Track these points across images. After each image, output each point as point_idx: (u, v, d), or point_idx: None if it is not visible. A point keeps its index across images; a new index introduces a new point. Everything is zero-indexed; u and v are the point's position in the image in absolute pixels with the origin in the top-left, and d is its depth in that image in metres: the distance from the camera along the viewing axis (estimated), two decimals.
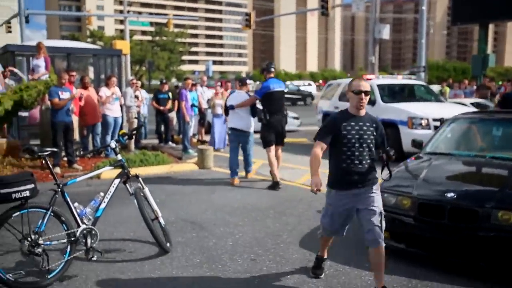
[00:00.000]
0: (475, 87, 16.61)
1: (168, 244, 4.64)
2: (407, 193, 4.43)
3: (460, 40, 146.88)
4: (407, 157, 5.89)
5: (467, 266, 4.10)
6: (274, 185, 7.58)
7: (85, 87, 10.03)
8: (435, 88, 18.92)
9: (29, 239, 3.78)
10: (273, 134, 7.76)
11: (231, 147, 8.13)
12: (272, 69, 7.95)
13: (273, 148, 7.78)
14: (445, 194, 4.19)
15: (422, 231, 4.25)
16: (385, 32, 21.05)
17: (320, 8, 26.14)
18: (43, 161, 4.33)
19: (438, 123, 9.03)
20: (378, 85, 11.27)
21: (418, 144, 5.86)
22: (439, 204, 4.17)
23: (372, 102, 10.90)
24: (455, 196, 4.14)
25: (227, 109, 8.01)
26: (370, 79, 12.00)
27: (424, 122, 9.57)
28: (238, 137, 7.99)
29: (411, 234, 4.33)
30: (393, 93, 11.59)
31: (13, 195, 3.68)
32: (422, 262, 4.28)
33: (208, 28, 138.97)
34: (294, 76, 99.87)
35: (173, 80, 61.87)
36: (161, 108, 12.24)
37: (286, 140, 8.33)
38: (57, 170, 8.31)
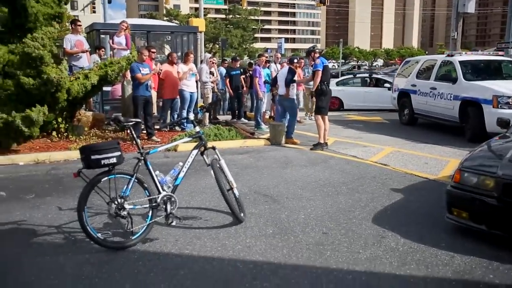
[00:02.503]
0: None
1: (242, 214, 4.78)
2: (491, 173, 4.20)
3: None
4: (490, 138, 5.55)
5: None
6: (323, 145, 8.88)
7: (172, 63, 10.49)
8: None
9: (115, 202, 4.07)
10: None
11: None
12: (318, 51, 9.29)
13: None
14: None
15: (505, 213, 4.03)
16: (470, 6, 19.66)
17: None
18: (128, 131, 4.59)
19: None
20: (460, 62, 10.67)
21: (504, 123, 5.55)
22: None
23: (453, 80, 10.39)
24: None
25: (289, 82, 9.59)
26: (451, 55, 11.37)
27: (511, 101, 8.95)
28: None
29: (493, 215, 4.12)
30: (477, 70, 10.92)
31: (102, 161, 3.95)
32: (504, 245, 4.07)
33: (281, 5, 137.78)
34: (369, 54, 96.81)
35: (245, 58, 62.34)
36: (231, 89, 12.53)
37: (360, 118, 8.81)
38: (139, 143, 8.75)
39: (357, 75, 18.95)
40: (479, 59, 11.60)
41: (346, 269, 3.72)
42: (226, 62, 13.93)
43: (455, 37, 20.09)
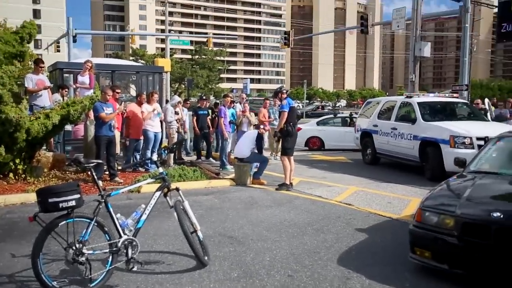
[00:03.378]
0: None
1: (206, 258, 4.67)
2: (450, 212, 4.30)
3: (506, 58, 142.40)
4: (449, 177, 5.71)
5: None
6: (288, 186, 8.85)
7: (140, 103, 10.46)
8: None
9: (73, 247, 3.90)
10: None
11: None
12: (284, 91, 9.36)
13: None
14: (491, 214, 4.05)
15: (466, 252, 4.10)
16: (426, 50, 20.65)
17: (360, 27, 26.08)
18: (89, 172, 4.47)
19: (482, 142, 8.75)
20: (419, 103, 11.08)
21: (461, 163, 5.71)
22: (484, 224, 4.03)
23: (412, 120, 10.74)
24: (501, 216, 3.99)
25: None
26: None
27: (467, 141, 9.30)
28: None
29: (454, 254, 4.18)
30: (435, 112, 11.35)
31: (61, 205, 3.81)
32: (466, 283, 4.13)
33: (246, 46, 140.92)
34: (332, 95, 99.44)
35: (211, 97, 62.96)
36: (197, 128, 12.54)
37: (325, 157, 8.85)
38: (100, 185, 8.54)
39: (337, 115, 19.42)
40: (436, 101, 12.08)
41: None
42: (188, 102, 13.99)
43: (413, 80, 20.92)
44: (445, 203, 4.59)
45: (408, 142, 10.67)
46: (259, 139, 9.63)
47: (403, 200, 7.94)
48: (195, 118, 12.83)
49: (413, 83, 20.93)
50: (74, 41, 27.61)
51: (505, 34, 16.45)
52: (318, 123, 17.69)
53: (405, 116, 11.21)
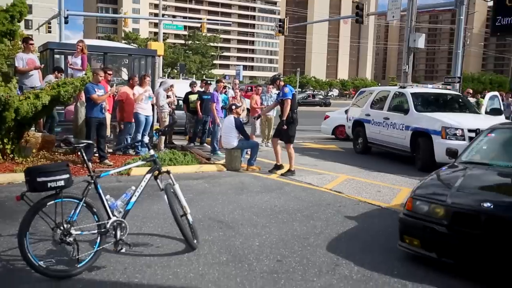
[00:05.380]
0: (511, 99, 16.13)
1: (195, 241, 4.65)
2: (441, 201, 4.31)
3: (498, 52, 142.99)
4: (439, 168, 5.72)
5: (502, 279, 3.95)
6: (291, 172, 8.94)
7: (132, 86, 10.33)
8: (470, 100, 18.47)
9: (61, 228, 3.85)
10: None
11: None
12: (282, 79, 9.58)
13: None
14: (482, 204, 4.06)
15: (455, 241, 4.12)
16: (420, 41, 20.66)
17: (355, 16, 25.97)
18: (79, 153, 4.41)
19: (473, 134, 8.78)
20: (412, 94, 11.09)
21: (452, 153, 5.73)
22: (474, 213, 4.04)
23: (405, 111, 10.75)
24: (491, 206, 4.00)
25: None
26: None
27: (458, 133, 9.35)
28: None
29: (443, 243, 4.20)
30: (427, 103, 11.37)
31: (49, 184, 3.75)
32: (453, 272, 4.15)
33: (240, 33, 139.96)
34: (324, 84, 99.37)
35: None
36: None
37: (316, 146, 8.91)
38: (90, 166, 8.46)
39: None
40: (430, 92, 12.10)
41: None
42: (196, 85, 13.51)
43: (407, 71, 20.96)
44: (436, 192, 4.61)
45: (400, 132, 10.69)
46: (240, 125, 9.46)
47: (393, 189, 7.97)
48: (199, 102, 12.50)
49: (406, 74, 20.95)
50: (66, 22, 27.12)
51: (500, 27, 16.45)
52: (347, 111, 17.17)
53: (398, 106, 11.22)
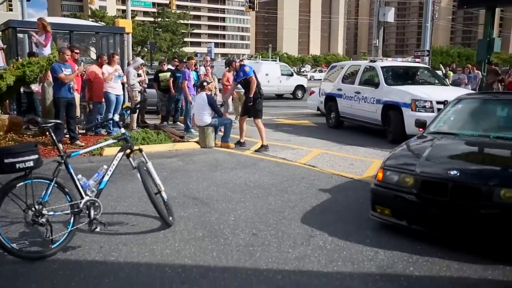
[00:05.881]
0: (477, 72, 16.50)
1: (170, 218, 4.66)
2: (410, 170, 4.42)
3: (465, 25, 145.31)
4: None
5: (468, 243, 4.12)
6: (265, 147, 9.06)
7: (101, 65, 10.10)
8: (439, 73, 18.83)
9: (33, 209, 3.79)
10: None
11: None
12: (238, 60, 9.98)
13: None
14: (448, 172, 4.19)
15: (424, 209, 4.25)
16: (390, 15, 20.85)
17: None
18: (47, 133, 4.31)
19: (441, 106, 8.98)
20: (382, 67, 11.21)
21: (421, 124, 5.87)
22: (442, 181, 4.17)
23: (375, 84, 10.88)
24: (458, 174, 4.14)
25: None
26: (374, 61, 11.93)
27: (427, 105, 9.53)
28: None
29: (413, 211, 4.33)
30: (397, 76, 11.52)
31: (17, 165, 3.67)
32: (423, 239, 4.30)
33: (210, 10, 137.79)
34: (297, 60, 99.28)
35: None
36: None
37: (289, 121, 9.08)
38: (60, 146, 8.32)
39: None
40: (399, 65, 12.26)
41: (275, 269, 3.73)
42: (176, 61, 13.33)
43: (377, 45, 21.15)
44: (405, 162, 4.72)
45: (371, 105, 10.83)
46: (212, 101, 9.45)
47: (365, 162, 8.12)
48: (158, 81, 12.45)
49: (376, 48, 21.16)
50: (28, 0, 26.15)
51: (466, 0, 16.69)
52: None
53: (368, 80, 11.34)
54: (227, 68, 11.67)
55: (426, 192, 4.23)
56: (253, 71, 9.24)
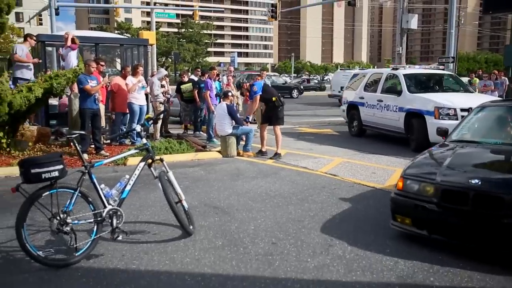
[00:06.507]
0: (504, 78, 16.17)
1: (191, 227, 4.73)
2: (431, 179, 4.38)
3: (492, 31, 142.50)
4: None
5: (489, 253, 4.05)
6: (278, 155, 9.22)
7: (125, 76, 10.36)
8: (464, 79, 18.53)
9: (58, 218, 3.91)
10: None
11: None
12: (246, 82, 10.44)
13: None
14: (470, 181, 4.13)
15: (445, 218, 4.20)
16: (413, 22, 20.67)
17: None
18: (72, 143, 4.45)
19: (466, 113, 8.83)
20: (404, 75, 11.12)
21: (443, 132, 5.79)
22: (463, 190, 4.11)
23: (398, 92, 10.80)
24: (479, 183, 4.08)
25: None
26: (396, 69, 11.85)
27: (451, 112, 9.40)
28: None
29: (433, 220, 4.28)
30: (420, 83, 11.42)
31: (43, 175, 3.80)
32: (444, 248, 4.24)
33: (234, 20, 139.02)
34: (320, 68, 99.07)
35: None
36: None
37: (312, 130, 9.34)
38: (85, 156, 8.52)
39: None
40: (422, 73, 12.13)
41: (294, 278, 3.74)
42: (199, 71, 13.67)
43: (400, 52, 20.96)
44: (425, 171, 4.67)
45: (394, 113, 10.74)
46: (232, 111, 9.54)
47: (387, 171, 8.05)
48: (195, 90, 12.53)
49: (400, 55, 20.97)
50: (57, 14, 26.93)
51: (492, 4, 16.40)
52: None
53: (391, 88, 11.26)
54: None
55: (447, 201, 4.18)
56: (264, 84, 9.60)
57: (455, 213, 4.12)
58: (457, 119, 9.19)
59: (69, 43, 9.91)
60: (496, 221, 3.90)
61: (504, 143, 5.17)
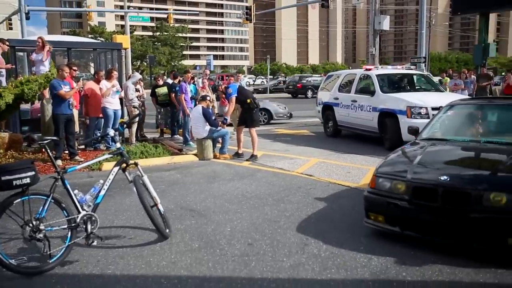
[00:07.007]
0: (474, 77, 16.61)
1: (167, 230, 4.72)
2: (402, 177, 4.48)
3: (463, 31, 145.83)
4: None
5: (460, 247, 4.17)
6: (254, 157, 9.24)
7: (98, 81, 10.24)
8: (436, 79, 18.96)
9: (30, 225, 3.86)
10: None
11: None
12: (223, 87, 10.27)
13: None
14: (439, 177, 4.25)
15: (416, 214, 4.31)
16: (385, 23, 21.03)
17: (320, 0, 26.08)
18: (44, 149, 4.40)
19: (437, 112, 9.06)
20: (377, 75, 11.31)
21: (414, 131, 5.93)
22: (432, 187, 4.23)
23: (371, 92, 10.97)
24: (448, 179, 4.20)
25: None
26: (369, 69, 12.04)
27: (423, 111, 9.61)
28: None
29: (405, 217, 4.39)
30: (392, 83, 11.63)
31: (14, 182, 3.75)
32: (417, 244, 4.35)
33: (209, 22, 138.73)
34: (295, 70, 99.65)
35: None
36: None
37: (288, 131, 9.41)
38: (59, 162, 8.40)
39: None
40: (394, 73, 12.36)
41: (270, 278, 3.79)
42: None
43: (374, 53, 21.30)
44: (397, 169, 4.78)
45: (368, 113, 10.92)
46: (207, 114, 9.52)
47: (362, 170, 8.18)
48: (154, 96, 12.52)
49: (373, 56, 21.30)
50: (27, 18, 26.41)
51: (460, 6, 16.84)
52: None
53: (364, 88, 11.44)
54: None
55: (417, 198, 4.29)
56: (238, 88, 9.59)
57: (426, 209, 4.24)
58: (428, 118, 9.37)
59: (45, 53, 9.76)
60: (464, 216, 4.02)
61: (471, 140, 5.33)
